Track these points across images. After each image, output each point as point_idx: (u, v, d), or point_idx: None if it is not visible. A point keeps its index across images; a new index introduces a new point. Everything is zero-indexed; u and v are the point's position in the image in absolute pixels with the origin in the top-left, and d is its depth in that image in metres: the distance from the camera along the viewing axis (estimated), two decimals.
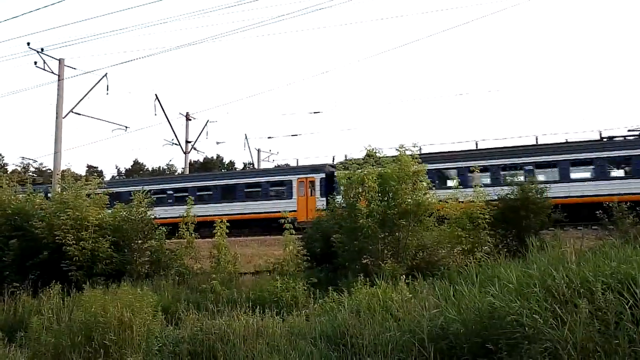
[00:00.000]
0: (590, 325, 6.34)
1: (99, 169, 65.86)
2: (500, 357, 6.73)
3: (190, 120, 43.84)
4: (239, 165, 68.11)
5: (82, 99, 30.65)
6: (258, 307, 10.57)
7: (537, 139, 28.72)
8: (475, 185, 16.20)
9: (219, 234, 16.32)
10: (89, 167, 64.59)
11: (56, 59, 29.20)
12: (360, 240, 14.72)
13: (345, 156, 17.09)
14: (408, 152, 15.76)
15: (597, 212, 16.08)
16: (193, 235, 17.92)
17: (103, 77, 30.59)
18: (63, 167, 26.36)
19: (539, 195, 16.01)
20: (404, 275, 10.80)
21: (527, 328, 6.62)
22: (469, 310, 7.69)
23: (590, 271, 7.46)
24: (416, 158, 15.74)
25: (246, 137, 50.16)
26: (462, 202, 15.82)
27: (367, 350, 7.78)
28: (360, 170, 15.55)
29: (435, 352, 7.18)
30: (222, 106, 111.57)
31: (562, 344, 6.23)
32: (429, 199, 15.39)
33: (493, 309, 7.26)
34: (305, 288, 12.60)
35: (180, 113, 43.82)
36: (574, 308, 6.66)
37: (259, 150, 52.96)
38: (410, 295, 9.36)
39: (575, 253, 8.96)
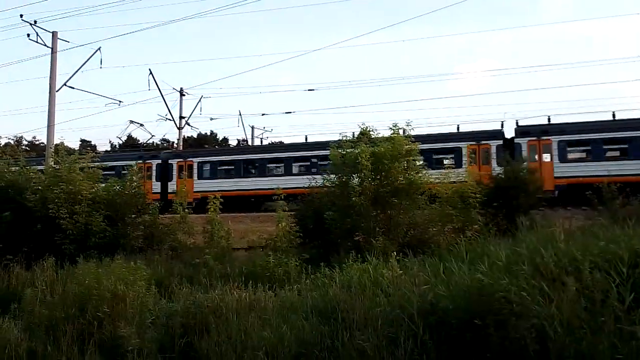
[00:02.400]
0: (577, 302, 6.45)
1: (93, 143, 65.33)
2: (487, 332, 6.85)
3: (184, 95, 43.61)
4: (232, 142, 67.86)
5: (75, 73, 30.49)
6: (251, 281, 10.69)
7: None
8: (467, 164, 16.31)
9: (212, 209, 16.39)
10: (83, 141, 64.11)
11: (49, 32, 28.92)
12: (352, 218, 14.85)
13: (340, 134, 17.13)
14: (402, 131, 15.87)
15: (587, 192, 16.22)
16: (187, 210, 18.03)
17: (97, 50, 30.40)
18: (56, 141, 26.26)
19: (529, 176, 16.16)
20: (395, 252, 10.89)
21: (514, 305, 6.74)
22: (458, 286, 7.81)
23: (578, 250, 7.56)
24: (409, 137, 15.82)
25: (240, 114, 50.10)
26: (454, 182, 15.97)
27: (357, 324, 7.91)
28: (353, 149, 15.63)
29: (425, 327, 7.30)
30: (216, 81, 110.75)
31: (548, 321, 6.35)
32: (421, 178, 15.52)
33: (482, 286, 7.37)
34: (298, 264, 12.72)
35: (174, 88, 43.62)
36: (561, 286, 6.76)
37: (252, 127, 52.88)
38: (401, 272, 9.49)
39: (564, 232, 9.09)
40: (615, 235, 8.58)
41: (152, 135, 52.46)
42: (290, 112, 53.08)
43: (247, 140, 53.40)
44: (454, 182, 15.93)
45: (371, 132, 16.74)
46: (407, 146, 15.57)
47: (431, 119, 60.26)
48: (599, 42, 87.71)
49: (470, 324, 7.04)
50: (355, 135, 16.87)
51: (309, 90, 40.85)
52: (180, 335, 9.28)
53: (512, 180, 16.12)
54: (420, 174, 15.60)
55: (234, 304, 9.58)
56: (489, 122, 72.74)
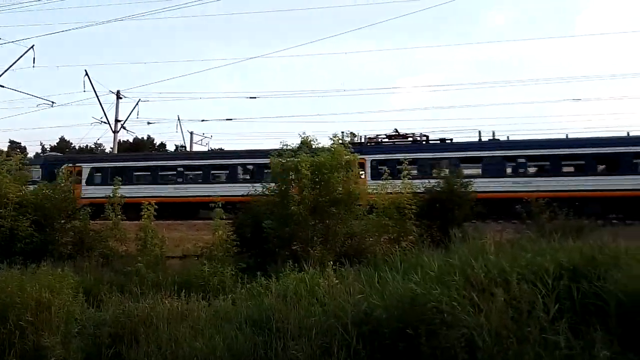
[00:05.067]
0: (505, 313, 6.66)
1: (22, 144, 62.53)
2: (419, 342, 6.95)
3: (121, 98, 42.42)
4: (170, 148, 66.55)
5: (5, 71, 29.13)
6: (184, 291, 10.43)
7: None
8: (404, 177, 16.58)
9: (146, 216, 15.96)
10: (12, 142, 61.26)
11: None
12: (291, 227, 14.79)
13: (281, 143, 17.03)
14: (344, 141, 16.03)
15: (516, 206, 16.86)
16: (119, 216, 17.48)
17: (30, 48, 29.20)
18: None
19: (463, 189, 16.62)
20: (332, 262, 10.92)
21: (445, 314, 6.88)
22: (392, 296, 7.90)
23: (507, 262, 7.83)
24: (348, 148, 15.98)
25: (179, 119, 49.15)
26: (391, 193, 16.21)
27: (291, 334, 7.85)
28: (293, 158, 15.62)
29: (358, 336, 7.34)
30: (155, 84, 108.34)
31: (477, 331, 6.52)
32: (360, 188, 15.69)
33: (415, 296, 7.49)
34: (234, 273, 12.54)
35: (110, 91, 42.33)
36: (490, 296, 6.96)
37: (191, 133, 52.01)
38: (337, 281, 9.50)
39: (494, 245, 9.39)
40: (542, 248, 8.95)
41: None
42: (230, 119, 52.47)
43: (185, 146, 52.44)
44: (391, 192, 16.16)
45: (312, 142, 16.80)
46: (347, 157, 15.72)
47: (375, 131, 61.11)
48: (534, 61, 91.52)
49: (403, 333, 7.13)
50: (290, 145, 16.83)
51: (250, 97, 40.60)
52: (108, 346, 8.95)
53: (446, 192, 16.52)
54: (358, 184, 15.76)
55: (165, 314, 9.31)
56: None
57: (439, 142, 30.05)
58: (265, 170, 22.75)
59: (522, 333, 6.39)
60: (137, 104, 42.40)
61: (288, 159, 15.67)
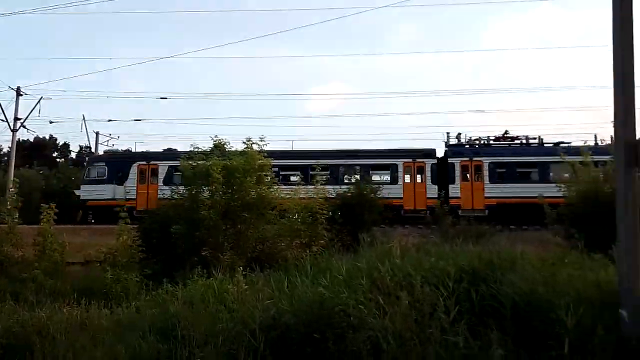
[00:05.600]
0: (409, 315, 6.82)
1: None
2: (327, 346, 6.98)
3: (21, 95, 39.82)
4: (74, 148, 63.48)
5: None
6: (85, 298, 9.96)
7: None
8: (316, 182, 16.75)
9: (45, 220, 15.10)
10: None
11: None
12: (201, 232, 14.52)
13: (192, 145, 16.70)
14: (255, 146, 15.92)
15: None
16: (16, 220, 16.42)
17: None
18: None
19: (372, 195, 17.03)
20: (242, 267, 10.80)
21: (352, 318, 6.96)
22: (301, 301, 7.89)
23: (412, 266, 8.06)
24: (262, 152, 15.92)
25: (84, 119, 46.94)
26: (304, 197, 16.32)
27: (197, 341, 7.66)
28: (204, 162, 15.37)
29: (266, 342, 7.27)
30: (57, 81, 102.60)
31: (382, 333, 6.64)
32: (272, 193, 15.67)
33: (323, 300, 7.53)
34: (138, 280, 12.13)
35: (10, 87, 39.71)
36: (395, 299, 7.12)
37: (97, 133, 49.80)
38: (246, 287, 9.40)
39: (400, 249, 9.66)
40: (445, 252, 9.29)
41: None
42: (139, 120, 50.54)
43: (90, 147, 50.16)
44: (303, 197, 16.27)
45: (225, 146, 16.60)
46: (260, 161, 15.66)
47: (289, 136, 61.53)
48: (439, 72, 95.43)
49: (311, 337, 7.14)
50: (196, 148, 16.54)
51: (161, 98, 39.39)
52: None
53: (357, 197, 16.85)
54: (271, 189, 15.73)
55: (63, 323, 8.83)
56: (342, 142, 76.03)
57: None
58: None
59: (424, 334, 6.57)
60: (38, 101, 40.01)
61: (199, 162, 15.40)
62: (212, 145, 16.43)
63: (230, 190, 15.20)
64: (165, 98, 39.12)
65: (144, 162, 29.96)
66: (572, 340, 5.95)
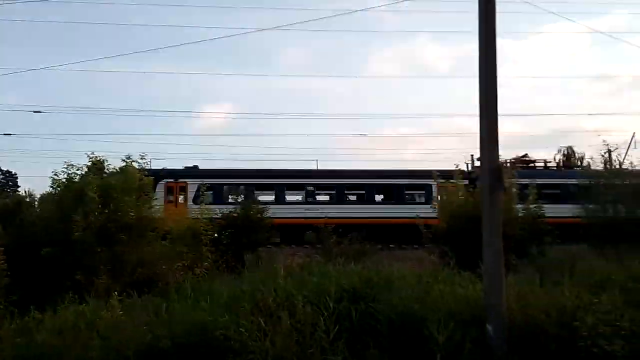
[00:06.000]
0: (290, 336, 6.84)
1: None
2: None
3: None
4: None
5: None
6: None
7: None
8: (201, 202, 16.43)
9: None
10: None
11: None
12: (75, 255, 13.67)
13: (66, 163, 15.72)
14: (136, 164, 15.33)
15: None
16: None
17: None
18: None
19: (259, 215, 16.99)
20: (117, 292, 10.27)
21: (233, 342, 6.85)
22: (181, 325, 7.65)
23: (295, 286, 8.11)
24: (143, 170, 15.36)
25: None
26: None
27: None
28: (79, 179, 14.55)
29: None
30: None
31: (263, 355, 6.60)
32: (154, 213, 15.12)
33: (204, 324, 7.36)
34: (2, 306, 11.14)
35: None
36: (277, 321, 7.12)
37: None
38: (122, 313, 8.94)
39: (285, 269, 9.69)
40: (328, 272, 9.46)
41: None
42: (9, 134, 46.69)
43: None
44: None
45: (103, 163, 15.80)
46: (141, 180, 15.09)
47: (174, 154, 59.99)
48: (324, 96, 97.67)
49: None
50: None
51: (35, 112, 36.93)
52: None
53: (242, 218, 16.73)
54: (152, 209, 15.18)
55: None
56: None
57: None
58: None
59: (304, 355, 6.62)
60: None
61: (74, 181, 14.56)
62: (88, 163, 15.57)
63: (106, 210, 14.48)
64: (40, 112, 36.75)
65: (172, 180, 28.83)
66: (443, 355, 6.26)
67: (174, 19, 72.31)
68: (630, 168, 20.36)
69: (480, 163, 7.43)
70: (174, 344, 7.28)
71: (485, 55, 7.27)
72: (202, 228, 15.27)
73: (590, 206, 19.51)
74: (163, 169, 28.86)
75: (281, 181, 28.89)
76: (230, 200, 26.18)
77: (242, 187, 29.00)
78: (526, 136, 71.40)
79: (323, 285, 8.06)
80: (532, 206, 16.47)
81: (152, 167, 30.99)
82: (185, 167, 30.76)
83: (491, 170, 7.11)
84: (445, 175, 17.92)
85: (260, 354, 6.60)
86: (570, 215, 23.98)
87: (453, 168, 17.85)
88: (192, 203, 26.97)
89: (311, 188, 29.42)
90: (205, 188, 26.70)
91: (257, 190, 28.55)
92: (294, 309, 7.34)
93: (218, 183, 28.36)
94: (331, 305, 7.25)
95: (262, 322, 7.02)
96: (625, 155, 21.50)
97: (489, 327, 6.69)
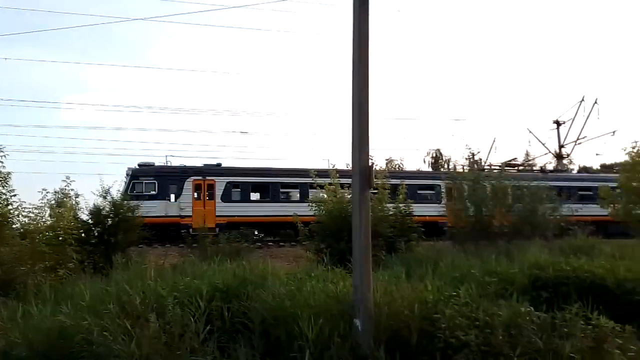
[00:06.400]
0: (158, 338, 6.60)
1: None
2: None
3: None
4: None
5: None
6: None
7: None
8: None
9: None
10: None
11: None
12: None
13: None
14: None
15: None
16: None
17: None
18: None
19: (130, 213, 16.27)
20: None
21: (96, 346, 6.52)
22: (38, 330, 7.16)
23: (166, 287, 7.87)
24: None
25: None
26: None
27: None
28: None
29: None
30: None
31: (129, 359, 6.33)
32: (13, 209, 13.94)
33: (63, 329, 6.93)
34: None
35: None
36: (145, 323, 6.86)
37: None
38: None
39: (155, 269, 9.37)
40: (203, 271, 9.29)
41: None
42: None
43: None
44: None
45: None
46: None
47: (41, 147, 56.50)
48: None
49: None
50: None
51: None
52: None
53: (111, 217, 15.94)
54: (12, 207, 13.96)
55: None
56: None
57: None
58: None
59: (173, 356, 6.43)
60: None
61: None
62: None
63: None
64: None
65: (200, 178, 27.95)
66: (312, 351, 6.38)
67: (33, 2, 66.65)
68: (489, 170, 22.06)
69: (352, 163, 7.64)
70: (31, 350, 6.80)
71: (358, 59, 7.48)
72: (66, 227, 14.30)
73: (455, 206, 20.99)
74: (190, 167, 28.95)
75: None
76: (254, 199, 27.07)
77: (269, 185, 28.89)
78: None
79: (195, 285, 7.91)
80: (401, 205, 17.30)
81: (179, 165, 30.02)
82: (205, 165, 29.85)
83: (361, 171, 7.34)
84: (322, 174, 18.30)
85: (126, 358, 6.32)
86: (436, 214, 25.70)
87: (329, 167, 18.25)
88: (220, 201, 27.27)
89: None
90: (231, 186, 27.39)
91: (282, 188, 29.04)
92: (163, 310, 7.13)
93: (245, 181, 28.47)
94: (202, 305, 7.14)
95: (128, 325, 6.73)
96: (487, 158, 23.34)
97: (357, 322, 6.90)
